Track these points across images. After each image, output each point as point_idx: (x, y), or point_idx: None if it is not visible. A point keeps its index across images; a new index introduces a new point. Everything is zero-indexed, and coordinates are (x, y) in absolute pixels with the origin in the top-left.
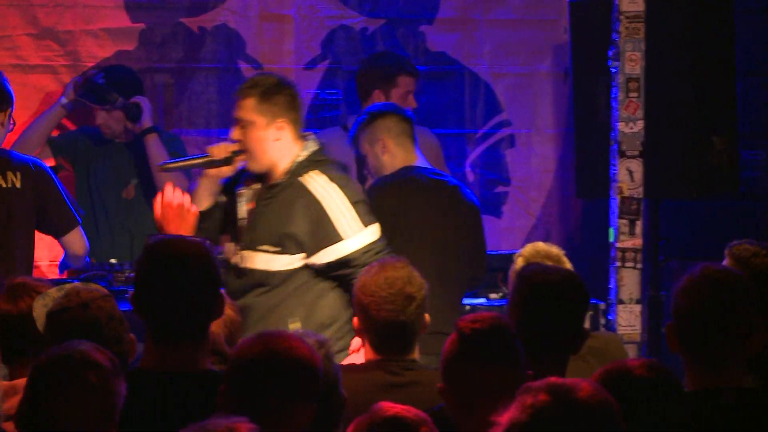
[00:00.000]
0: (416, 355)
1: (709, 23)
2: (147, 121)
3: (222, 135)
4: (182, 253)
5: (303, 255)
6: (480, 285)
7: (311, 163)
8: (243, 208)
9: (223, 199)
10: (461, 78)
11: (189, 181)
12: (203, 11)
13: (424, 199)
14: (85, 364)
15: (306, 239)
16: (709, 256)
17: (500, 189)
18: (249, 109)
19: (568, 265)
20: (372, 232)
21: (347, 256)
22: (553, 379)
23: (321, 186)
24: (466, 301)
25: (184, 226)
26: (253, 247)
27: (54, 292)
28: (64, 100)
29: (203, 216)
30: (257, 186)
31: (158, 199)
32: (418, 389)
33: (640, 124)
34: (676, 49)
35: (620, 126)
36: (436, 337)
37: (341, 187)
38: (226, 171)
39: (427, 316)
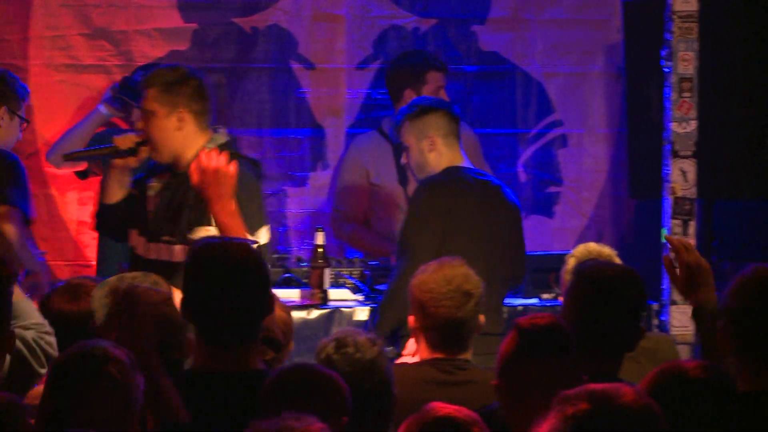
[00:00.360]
0: (469, 355)
1: (762, 22)
2: None
3: (275, 135)
4: (232, 257)
5: None
6: (519, 285)
7: None
8: (151, 200)
9: (135, 192)
10: (513, 78)
11: None
12: (256, 11)
13: (471, 200)
14: (104, 359)
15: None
16: (763, 257)
17: (552, 189)
18: (151, 99)
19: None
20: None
21: None
22: (591, 386)
23: None
24: (518, 302)
25: (223, 191)
26: (155, 238)
27: (114, 281)
28: (102, 108)
29: (114, 208)
30: (166, 178)
31: (194, 165)
32: (471, 388)
33: (693, 124)
34: (729, 49)
35: (673, 126)
36: (480, 337)
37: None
38: (133, 162)
39: (482, 317)
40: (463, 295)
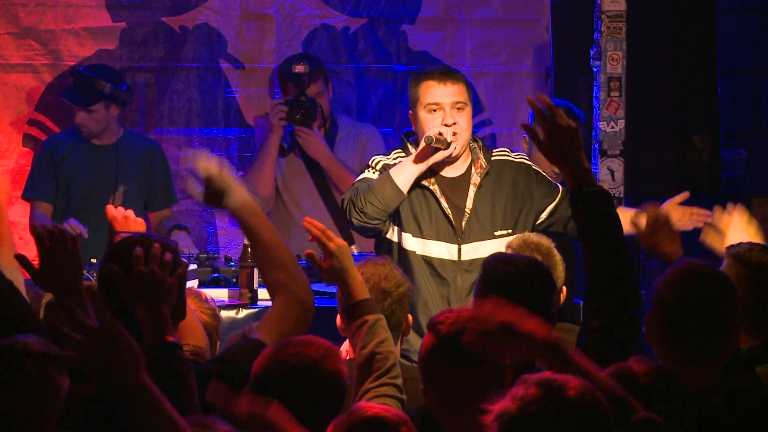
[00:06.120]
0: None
1: (690, 22)
2: None
3: (204, 134)
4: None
5: None
6: None
7: None
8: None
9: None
10: None
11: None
12: (185, 10)
13: None
14: (23, 354)
15: None
16: (687, 254)
17: None
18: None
19: (558, 258)
20: None
21: None
22: (547, 374)
23: None
24: None
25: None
26: None
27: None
28: None
29: None
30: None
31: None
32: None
33: (621, 124)
34: (657, 49)
35: (601, 125)
36: None
37: None
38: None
39: (410, 317)
40: (379, 293)
